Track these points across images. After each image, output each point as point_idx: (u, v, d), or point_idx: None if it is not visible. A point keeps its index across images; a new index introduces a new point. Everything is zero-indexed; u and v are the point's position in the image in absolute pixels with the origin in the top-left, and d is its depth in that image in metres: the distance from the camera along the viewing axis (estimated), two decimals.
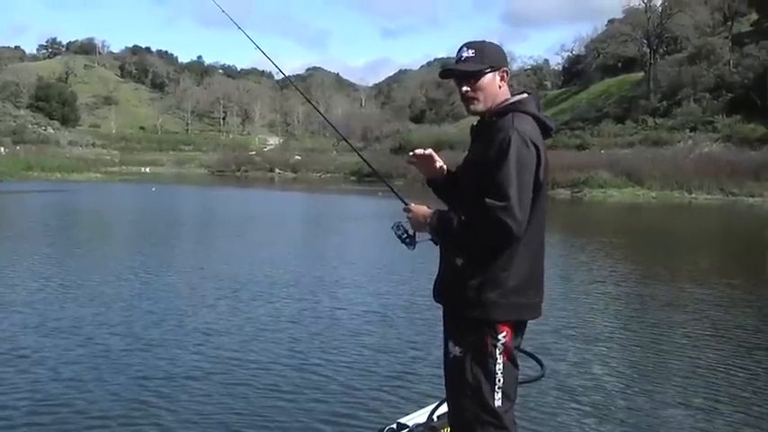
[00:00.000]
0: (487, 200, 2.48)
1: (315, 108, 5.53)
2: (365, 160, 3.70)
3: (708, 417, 4.78)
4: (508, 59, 2.90)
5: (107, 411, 4.65)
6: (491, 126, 2.66)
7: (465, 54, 2.72)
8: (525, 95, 2.75)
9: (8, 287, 8.94)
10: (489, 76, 2.69)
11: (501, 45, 2.86)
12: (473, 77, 2.69)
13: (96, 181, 50.62)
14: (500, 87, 2.72)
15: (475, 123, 2.80)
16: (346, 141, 4.30)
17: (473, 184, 2.61)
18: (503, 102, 2.71)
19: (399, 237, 2.88)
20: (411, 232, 2.84)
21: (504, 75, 2.74)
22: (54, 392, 5.01)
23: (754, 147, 40.41)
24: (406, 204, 2.83)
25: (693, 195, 35.72)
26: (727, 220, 25.19)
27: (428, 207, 2.75)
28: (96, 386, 5.16)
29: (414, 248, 2.87)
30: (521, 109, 2.66)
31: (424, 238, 2.82)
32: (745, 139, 42.31)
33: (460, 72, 2.72)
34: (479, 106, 2.72)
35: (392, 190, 3.12)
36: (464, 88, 2.72)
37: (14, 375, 5.37)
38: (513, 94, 2.75)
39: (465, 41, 2.76)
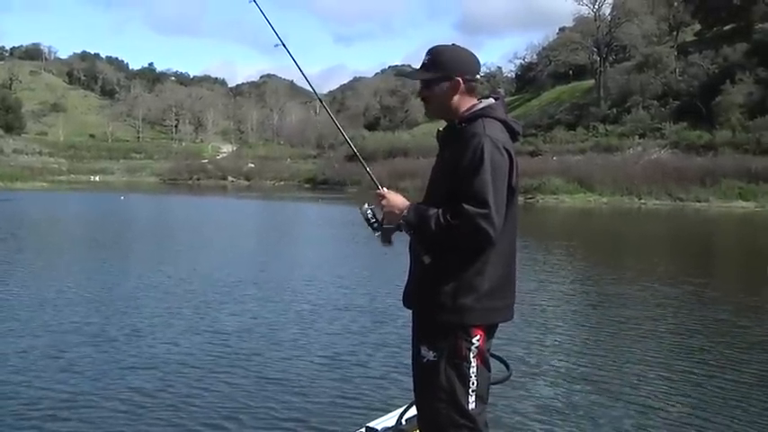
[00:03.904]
0: (467, 206, 2.45)
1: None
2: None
3: (658, 406, 4.83)
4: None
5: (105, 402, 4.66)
6: (461, 132, 2.61)
7: (424, 59, 2.69)
8: (493, 101, 2.70)
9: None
10: (440, 84, 2.65)
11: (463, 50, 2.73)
12: (426, 84, 2.68)
13: (42, 190, 49.17)
14: (456, 95, 2.66)
15: (441, 129, 2.75)
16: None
17: (444, 189, 2.58)
18: (471, 107, 2.66)
19: (367, 220, 2.77)
20: (380, 218, 2.74)
21: (460, 82, 2.65)
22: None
23: (699, 153, 41.60)
24: (380, 189, 2.73)
25: (643, 201, 36.51)
26: (676, 225, 25.71)
27: (403, 198, 2.68)
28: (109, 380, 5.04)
29: (380, 234, 2.77)
30: (490, 114, 2.62)
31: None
32: (691, 146, 43.50)
33: (412, 78, 2.73)
34: (432, 112, 2.73)
35: (368, 173, 2.98)
36: (420, 92, 2.73)
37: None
38: (480, 98, 2.70)
39: (431, 45, 2.72)
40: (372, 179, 2.90)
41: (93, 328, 7.08)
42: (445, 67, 2.66)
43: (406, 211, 2.63)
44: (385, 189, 2.74)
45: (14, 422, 4.50)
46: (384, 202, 2.70)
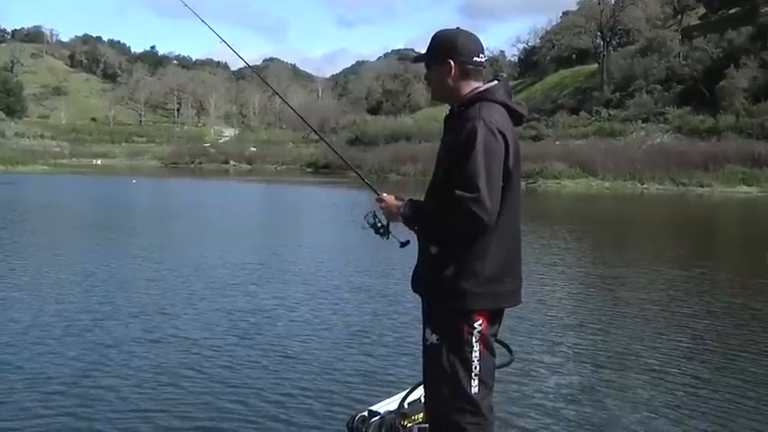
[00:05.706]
0: (458, 191, 2.46)
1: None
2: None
3: (669, 393, 4.82)
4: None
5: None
6: (459, 116, 2.65)
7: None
8: (494, 83, 2.70)
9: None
10: (434, 68, 2.72)
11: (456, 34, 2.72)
12: (426, 68, 2.76)
13: (43, 173, 49.15)
14: (450, 78, 2.68)
15: (447, 113, 2.80)
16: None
17: (445, 174, 2.61)
18: (471, 91, 2.67)
19: (373, 227, 2.92)
20: (385, 222, 2.89)
21: (451, 65, 2.66)
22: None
23: (702, 138, 41.40)
24: (378, 194, 2.87)
25: (645, 186, 36.36)
26: (679, 210, 25.65)
27: (398, 197, 2.83)
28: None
29: (388, 238, 2.93)
30: (489, 98, 2.64)
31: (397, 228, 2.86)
32: (694, 130, 43.31)
33: (411, 62, 2.81)
34: (433, 95, 2.82)
35: (363, 179, 3.20)
36: (425, 75, 2.83)
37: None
38: (484, 82, 2.72)
39: (434, 30, 2.81)
40: (371, 187, 3.08)
41: (113, 306, 7.19)
42: (438, 51, 2.71)
43: (402, 207, 2.73)
44: (384, 194, 2.87)
45: (37, 394, 4.58)
46: (382, 204, 2.83)
